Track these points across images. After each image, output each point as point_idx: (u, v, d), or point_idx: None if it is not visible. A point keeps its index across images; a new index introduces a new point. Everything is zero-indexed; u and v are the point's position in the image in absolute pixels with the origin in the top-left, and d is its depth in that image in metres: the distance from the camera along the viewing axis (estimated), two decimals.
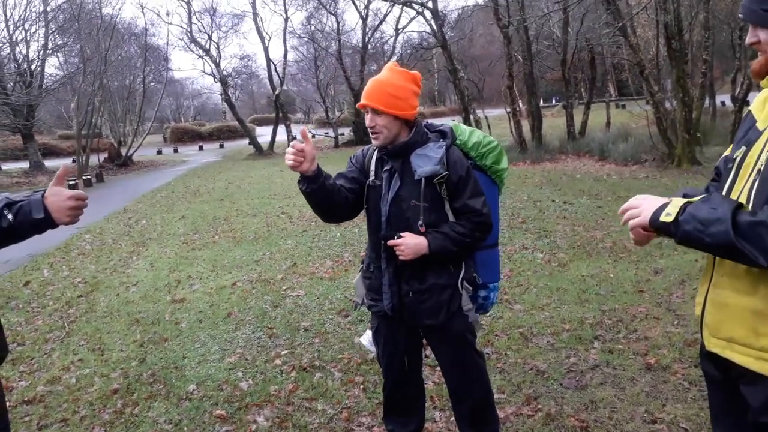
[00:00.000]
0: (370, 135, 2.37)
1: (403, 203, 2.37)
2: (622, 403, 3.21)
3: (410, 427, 2.76)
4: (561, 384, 3.48)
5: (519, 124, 17.00)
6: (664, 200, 1.52)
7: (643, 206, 1.56)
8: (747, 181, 1.50)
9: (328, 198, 2.32)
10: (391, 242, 2.33)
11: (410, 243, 2.30)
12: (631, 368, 3.59)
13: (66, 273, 7.21)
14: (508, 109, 17.78)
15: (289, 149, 2.18)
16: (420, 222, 2.34)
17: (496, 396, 3.35)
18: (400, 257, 2.32)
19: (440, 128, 2.46)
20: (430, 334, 2.57)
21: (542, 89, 33.66)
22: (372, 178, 2.47)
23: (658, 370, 3.54)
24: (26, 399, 3.85)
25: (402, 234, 2.32)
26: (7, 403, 3.71)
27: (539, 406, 3.24)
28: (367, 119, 2.35)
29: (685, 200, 1.47)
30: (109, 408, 3.66)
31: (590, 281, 5.29)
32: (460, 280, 2.44)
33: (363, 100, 2.32)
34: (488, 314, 4.59)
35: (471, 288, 2.47)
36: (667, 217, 1.46)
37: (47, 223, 1.69)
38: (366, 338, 3.02)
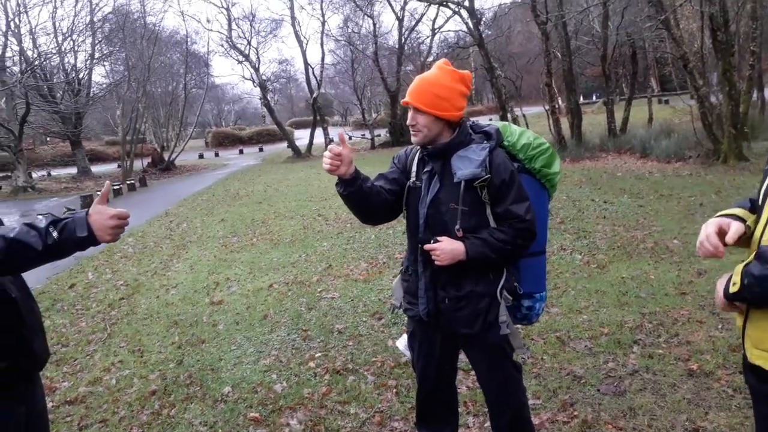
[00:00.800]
0: (411, 132, 2.33)
1: (442, 206, 2.31)
2: (662, 410, 3.10)
3: None
4: (598, 390, 3.39)
5: (558, 122, 16.71)
6: (728, 274, 1.56)
7: (717, 287, 1.61)
8: None
9: (365, 200, 2.32)
10: (427, 246, 2.26)
11: (447, 248, 2.23)
12: (672, 374, 3.47)
13: (109, 276, 7.42)
14: (547, 107, 17.49)
15: (327, 153, 2.18)
16: (457, 226, 2.27)
17: (531, 402, 3.29)
18: (436, 262, 2.26)
19: (486, 129, 2.36)
20: (466, 343, 2.51)
21: (582, 86, 33.07)
22: (413, 179, 2.41)
23: (701, 376, 3.41)
24: (68, 399, 3.96)
25: (439, 238, 2.25)
26: (50, 404, 3.85)
27: (575, 413, 3.16)
28: (409, 116, 2.31)
29: (744, 264, 1.49)
30: (147, 409, 3.73)
31: (630, 283, 5.14)
32: (499, 289, 2.34)
33: (407, 97, 2.29)
34: None
35: (510, 298, 2.36)
36: (734, 287, 1.50)
37: (90, 241, 1.75)
38: (402, 342, 3.00)
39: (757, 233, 1.52)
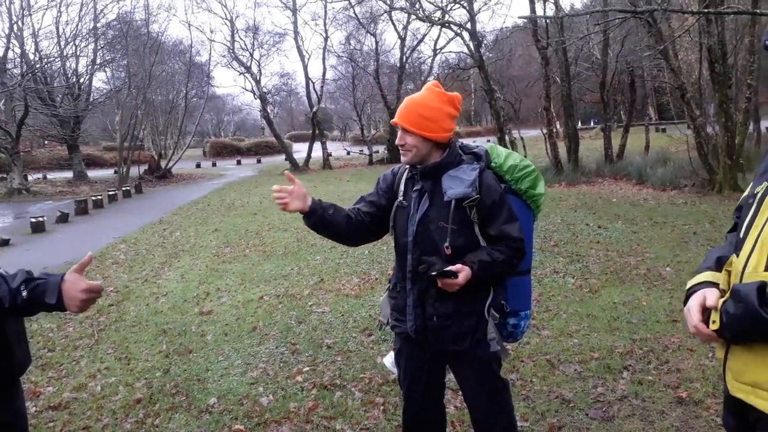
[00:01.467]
0: (400, 151, 2.36)
1: (431, 224, 2.33)
2: None
3: None
4: (587, 414, 3.37)
5: (555, 146, 16.80)
6: (697, 300, 1.55)
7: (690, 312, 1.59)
8: None
9: (331, 228, 2.41)
10: (447, 282, 2.23)
11: (463, 279, 2.21)
12: (661, 401, 3.46)
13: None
14: (545, 131, 17.60)
15: (274, 192, 2.28)
16: (446, 244, 2.29)
17: (519, 424, 3.25)
18: (449, 290, 2.26)
19: (475, 150, 2.41)
20: (454, 360, 2.50)
21: (580, 111, 33.33)
22: (400, 198, 2.44)
23: (690, 404, 3.40)
24: (52, 404, 3.91)
25: (454, 269, 2.21)
26: (33, 408, 3.80)
27: None
28: (398, 136, 2.35)
29: (722, 300, 1.49)
30: (131, 417, 3.69)
31: (622, 309, 5.14)
32: (487, 307, 2.36)
33: (395, 118, 2.33)
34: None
35: (498, 316, 2.39)
36: (713, 325, 1.49)
37: (58, 308, 1.75)
38: (389, 359, 2.98)
39: (739, 266, 1.52)
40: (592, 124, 40.42)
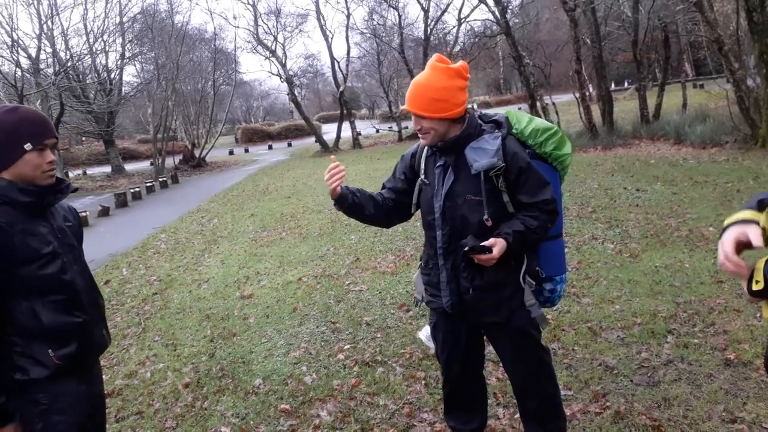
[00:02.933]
0: (420, 135, 2.34)
1: (458, 198, 2.31)
2: (698, 401, 3.04)
3: (473, 424, 2.70)
4: (631, 380, 3.33)
5: (588, 109, 16.41)
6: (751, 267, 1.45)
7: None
8: None
9: (360, 212, 2.48)
10: (482, 258, 2.22)
11: (498, 253, 2.21)
12: (708, 364, 3.39)
13: (143, 271, 7.57)
14: (577, 95, 17.20)
15: (332, 168, 2.33)
16: (485, 216, 2.26)
17: (562, 393, 3.23)
18: (486, 265, 2.26)
19: (495, 118, 2.37)
20: (492, 331, 2.51)
21: (613, 72, 32.38)
22: (422, 177, 2.44)
23: (739, 366, 3.32)
24: (106, 392, 4.03)
25: (488, 243, 2.21)
26: None
27: (608, 404, 3.11)
28: (413, 122, 2.32)
29: (765, 260, 1.40)
30: (180, 402, 3.80)
31: (664, 272, 5.03)
32: (522, 275, 2.35)
33: (406, 105, 2.29)
34: (555, 308, 4.46)
35: (534, 282, 2.38)
36: (757, 285, 1.41)
37: None
38: (424, 334, 2.99)
39: None
40: (626, 84, 39.29)
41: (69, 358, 1.96)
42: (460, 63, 2.33)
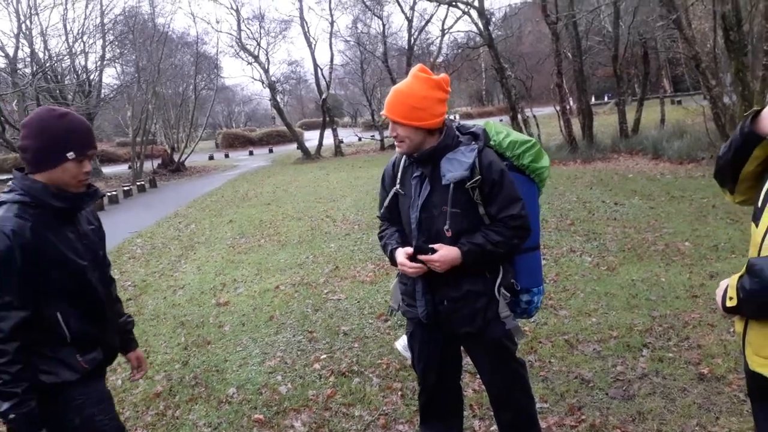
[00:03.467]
0: (395, 143, 2.33)
1: (434, 209, 2.31)
2: (672, 414, 3.05)
3: None
4: (607, 394, 3.34)
5: (569, 123, 16.59)
6: (726, 283, 1.52)
7: (717, 292, 1.57)
8: None
9: None
10: (423, 258, 2.26)
11: (444, 258, 2.23)
12: (682, 378, 3.41)
13: (117, 276, 7.43)
14: (558, 108, 17.38)
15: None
16: (446, 226, 2.27)
17: (538, 405, 3.24)
18: (436, 270, 2.27)
19: (472, 130, 2.37)
20: (468, 342, 2.50)
21: (593, 86, 32.83)
22: (397, 186, 2.44)
23: (712, 380, 3.35)
24: None
25: (435, 247, 2.25)
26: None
27: (583, 417, 3.12)
28: (390, 128, 2.32)
29: (738, 276, 1.46)
30: (152, 410, 3.72)
31: (640, 286, 5.07)
32: (496, 287, 2.35)
33: (384, 110, 2.30)
34: (532, 320, 4.47)
35: (509, 294, 2.38)
36: (731, 302, 1.47)
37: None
38: (401, 343, 2.97)
39: (757, 238, 1.47)
40: (605, 99, 39.84)
41: (95, 362, 2.07)
42: (442, 75, 2.33)
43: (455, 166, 2.23)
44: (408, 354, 2.74)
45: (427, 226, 2.33)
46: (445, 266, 2.24)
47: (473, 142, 2.30)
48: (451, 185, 2.24)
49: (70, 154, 1.94)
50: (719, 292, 1.51)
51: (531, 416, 2.58)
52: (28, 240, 1.86)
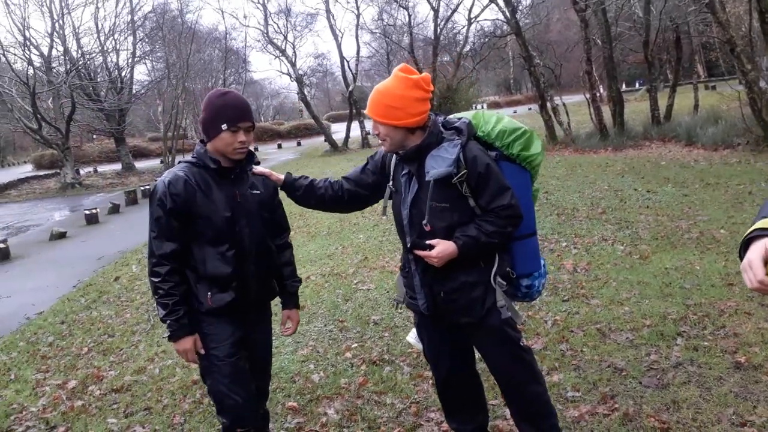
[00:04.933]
0: (380, 141, 2.41)
1: (423, 205, 2.35)
2: (707, 403, 3.01)
3: (474, 423, 2.70)
4: (640, 383, 3.31)
5: (599, 110, 16.33)
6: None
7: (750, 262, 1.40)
8: None
9: (307, 200, 2.63)
10: (420, 253, 2.32)
11: (440, 254, 2.27)
12: (718, 367, 3.36)
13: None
14: (588, 95, 17.12)
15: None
16: (425, 221, 2.31)
17: (570, 394, 3.25)
18: (433, 265, 2.32)
19: (456, 125, 2.37)
20: (470, 332, 2.51)
21: (624, 73, 32.24)
22: (390, 184, 2.50)
23: (749, 369, 3.29)
24: (115, 387, 4.09)
25: (432, 242, 2.29)
26: (98, 391, 3.97)
27: (616, 405, 3.10)
28: (372, 126, 2.40)
29: None
30: (188, 398, 3.82)
31: (674, 274, 5.00)
32: (492, 276, 2.37)
33: (366, 109, 2.37)
34: (563, 309, 4.45)
35: (505, 283, 2.39)
36: None
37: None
38: (412, 336, 3.01)
39: None
40: (637, 85, 39.09)
41: (222, 302, 2.40)
42: (422, 75, 2.34)
43: (438, 163, 2.25)
44: (419, 345, 2.78)
45: (417, 222, 2.37)
46: (442, 261, 2.29)
47: (456, 138, 2.31)
48: (431, 182, 2.27)
49: (224, 126, 2.33)
50: (753, 264, 1.35)
51: (544, 403, 2.54)
52: (179, 190, 2.33)
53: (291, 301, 2.76)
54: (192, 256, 2.40)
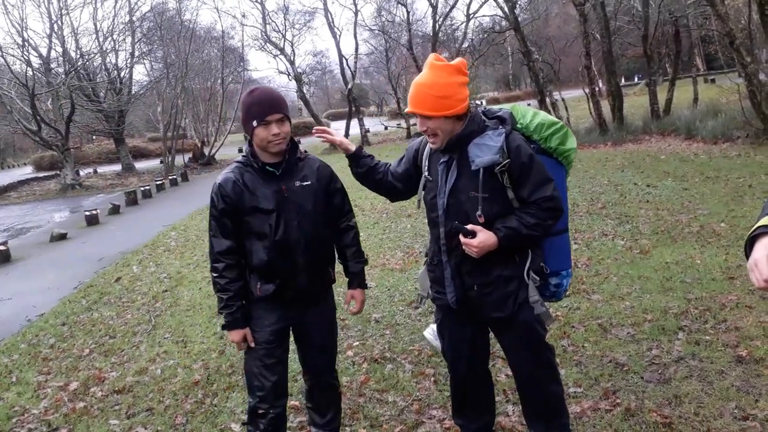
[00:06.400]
0: (427, 138, 2.35)
1: (461, 195, 2.31)
2: (709, 398, 3.01)
3: (481, 422, 2.69)
4: (642, 377, 3.31)
5: (598, 105, 16.31)
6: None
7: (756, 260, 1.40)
8: None
9: (366, 178, 2.69)
10: (463, 240, 2.25)
11: (482, 243, 2.22)
12: (719, 361, 3.36)
13: (153, 269, 7.61)
14: (587, 90, 17.10)
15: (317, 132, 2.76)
16: (478, 212, 2.27)
17: (572, 389, 3.24)
18: (472, 255, 2.27)
19: (499, 114, 2.36)
20: (497, 327, 2.49)
21: (623, 67, 32.17)
22: (425, 174, 2.45)
23: (751, 363, 3.29)
24: (117, 389, 4.09)
25: (474, 229, 2.24)
26: (100, 393, 3.97)
27: (618, 401, 3.10)
28: (418, 124, 2.32)
29: None
30: (190, 398, 3.82)
31: (675, 268, 4.99)
32: (526, 271, 2.34)
33: (410, 107, 2.29)
34: (564, 305, 4.45)
35: (538, 278, 2.36)
36: None
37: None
38: (430, 332, 2.98)
39: None
40: (636, 80, 39.02)
41: (268, 292, 2.52)
42: (459, 59, 2.32)
43: (484, 151, 2.22)
44: (438, 342, 2.76)
45: (455, 211, 2.32)
46: (482, 252, 2.24)
47: (500, 127, 2.29)
48: (481, 170, 2.23)
49: (254, 122, 2.42)
50: (759, 263, 1.35)
51: (559, 401, 2.55)
52: (228, 191, 2.48)
53: (355, 281, 2.79)
54: (244, 250, 2.53)
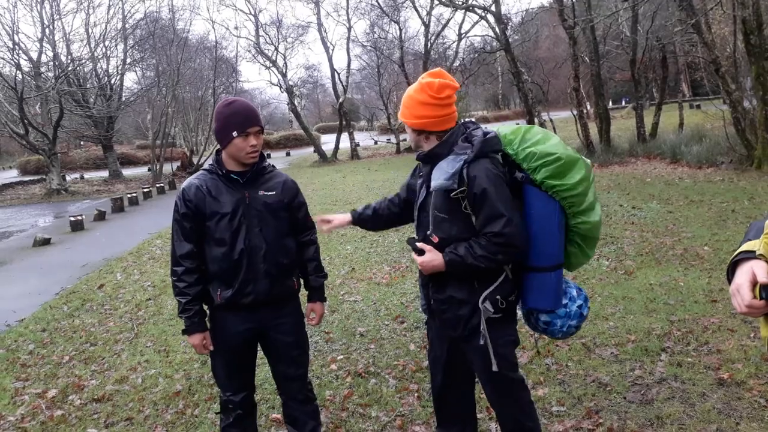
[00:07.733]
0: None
1: (424, 211, 2.40)
2: (691, 419, 3.03)
3: None
4: (625, 398, 3.32)
5: (586, 127, 16.51)
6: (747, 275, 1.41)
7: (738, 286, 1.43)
8: None
9: (377, 225, 2.83)
10: (413, 256, 2.36)
11: (427, 261, 2.30)
12: (701, 383, 3.39)
13: (137, 277, 7.54)
14: (575, 112, 17.31)
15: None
16: (429, 231, 2.33)
17: (555, 408, 3.25)
18: (422, 270, 2.37)
19: (473, 139, 2.27)
20: (462, 344, 2.45)
21: (611, 90, 32.64)
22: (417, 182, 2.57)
23: (732, 385, 3.32)
24: (96, 397, 4.03)
25: (423, 247, 2.31)
26: (78, 401, 3.91)
27: (600, 420, 3.10)
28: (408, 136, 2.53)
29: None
30: (171, 408, 3.77)
31: (658, 290, 5.04)
32: (482, 299, 2.28)
33: (400, 116, 2.47)
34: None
35: (491, 310, 2.27)
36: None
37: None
38: None
39: None
40: (623, 103, 39.57)
41: (225, 299, 2.54)
42: (438, 81, 2.29)
43: (441, 174, 2.24)
44: None
45: (420, 225, 2.43)
46: (428, 271, 2.32)
47: (464, 153, 2.24)
48: (433, 192, 2.30)
49: (234, 133, 2.46)
50: (741, 289, 1.38)
51: (526, 428, 2.44)
52: (191, 195, 2.52)
53: (315, 295, 2.87)
54: (203, 255, 2.56)
